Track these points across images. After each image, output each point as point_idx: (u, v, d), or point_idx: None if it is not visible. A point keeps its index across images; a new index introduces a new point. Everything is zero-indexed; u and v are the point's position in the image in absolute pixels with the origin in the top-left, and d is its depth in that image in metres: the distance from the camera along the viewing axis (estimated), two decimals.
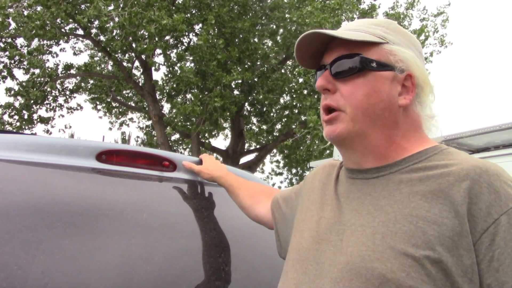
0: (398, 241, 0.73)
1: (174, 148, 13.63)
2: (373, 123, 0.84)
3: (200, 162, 1.52)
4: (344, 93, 0.85)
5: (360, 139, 0.85)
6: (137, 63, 10.88)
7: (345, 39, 0.85)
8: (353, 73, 0.84)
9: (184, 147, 14.16)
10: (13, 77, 10.18)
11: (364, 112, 0.83)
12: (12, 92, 10.08)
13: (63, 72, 10.89)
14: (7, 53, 9.59)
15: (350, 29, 0.89)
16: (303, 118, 10.05)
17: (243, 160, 12.14)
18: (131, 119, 14.24)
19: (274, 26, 10.94)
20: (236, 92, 10.58)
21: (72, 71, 11.13)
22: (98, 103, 13.28)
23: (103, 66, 12.43)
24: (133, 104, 13.40)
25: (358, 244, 0.77)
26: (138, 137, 17.10)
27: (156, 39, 8.43)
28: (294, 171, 13.61)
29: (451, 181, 0.75)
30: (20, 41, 9.78)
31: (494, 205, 0.71)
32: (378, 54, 0.85)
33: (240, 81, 10.13)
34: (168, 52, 9.99)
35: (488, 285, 0.70)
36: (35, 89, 9.90)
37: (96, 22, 8.90)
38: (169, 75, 10.96)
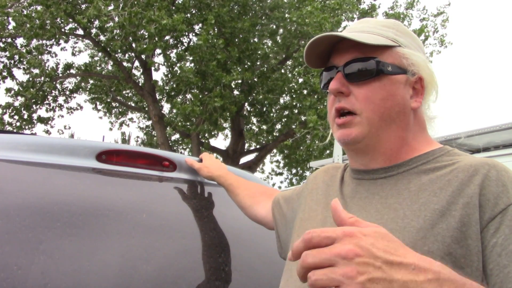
0: (407, 235, 0.74)
1: (174, 148, 13.62)
2: (388, 126, 0.84)
3: (200, 161, 1.52)
4: (359, 97, 0.84)
5: (374, 142, 0.85)
6: (137, 63, 10.88)
7: (357, 41, 0.83)
8: (370, 77, 0.83)
9: (184, 147, 14.16)
10: (13, 77, 10.18)
11: (380, 116, 0.83)
12: (12, 92, 10.08)
13: (63, 72, 10.88)
14: (7, 53, 9.59)
15: (360, 30, 0.88)
16: (303, 118, 10.04)
17: (243, 160, 12.14)
18: (131, 119, 14.24)
19: (274, 26, 10.93)
20: (236, 92, 10.57)
21: (72, 71, 11.13)
22: (98, 103, 13.27)
23: (103, 66, 12.42)
24: (133, 104, 13.40)
25: None
26: (138, 137, 17.10)
27: (156, 39, 8.43)
28: (294, 171, 13.61)
29: (460, 176, 0.77)
30: (20, 41, 9.79)
31: (502, 197, 0.73)
32: (392, 58, 0.85)
33: (240, 81, 10.13)
34: (168, 52, 9.99)
35: (490, 270, 0.70)
36: (34, 89, 9.90)
37: (96, 22, 8.90)
38: (169, 75, 10.95)
